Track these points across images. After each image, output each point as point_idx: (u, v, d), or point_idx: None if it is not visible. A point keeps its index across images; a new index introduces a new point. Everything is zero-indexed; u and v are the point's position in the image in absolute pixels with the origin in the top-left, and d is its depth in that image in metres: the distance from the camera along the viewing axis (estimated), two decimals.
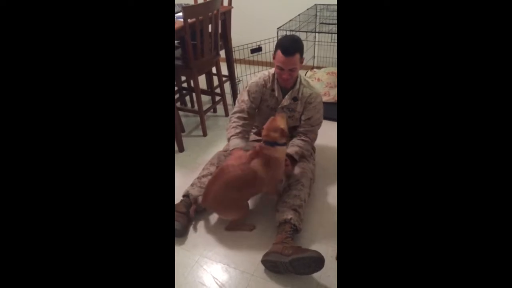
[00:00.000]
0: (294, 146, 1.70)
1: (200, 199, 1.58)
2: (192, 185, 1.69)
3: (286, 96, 1.72)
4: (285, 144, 1.56)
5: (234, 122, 1.73)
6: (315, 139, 1.82)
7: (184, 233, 1.58)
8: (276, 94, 1.74)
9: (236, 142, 1.66)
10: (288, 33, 2.49)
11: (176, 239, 1.55)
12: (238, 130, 1.69)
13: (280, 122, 1.53)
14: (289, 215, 1.46)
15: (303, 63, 1.69)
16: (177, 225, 1.53)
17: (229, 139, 1.71)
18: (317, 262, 1.28)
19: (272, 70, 1.74)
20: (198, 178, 1.71)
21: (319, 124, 1.79)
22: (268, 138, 1.50)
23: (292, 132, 1.81)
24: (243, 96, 1.77)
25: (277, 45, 1.59)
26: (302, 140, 1.73)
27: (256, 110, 1.81)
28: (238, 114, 1.75)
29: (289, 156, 1.66)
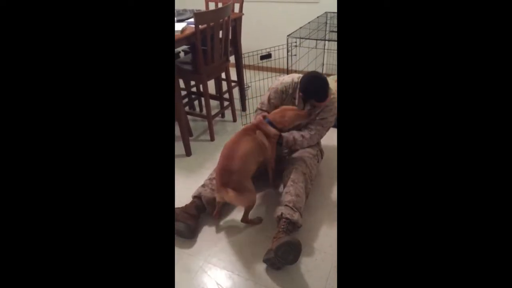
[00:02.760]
0: (289, 135, 1.75)
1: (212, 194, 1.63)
2: (203, 186, 1.70)
3: (308, 104, 1.78)
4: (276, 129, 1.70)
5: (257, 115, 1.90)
6: (318, 140, 1.85)
7: (191, 236, 1.58)
8: (297, 103, 1.83)
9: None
10: (298, 40, 2.50)
11: (180, 244, 1.56)
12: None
13: (289, 115, 1.67)
14: (279, 211, 1.52)
15: None
16: (184, 227, 1.53)
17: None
18: (293, 245, 1.34)
19: (297, 78, 1.82)
20: (210, 179, 1.72)
21: (327, 127, 1.83)
22: (269, 117, 1.68)
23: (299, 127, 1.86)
24: (263, 98, 1.92)
25: (309, 93, 1.67)
26: (302, 136, 1.77)
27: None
28: (259, 111, 1.90)
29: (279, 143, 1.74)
